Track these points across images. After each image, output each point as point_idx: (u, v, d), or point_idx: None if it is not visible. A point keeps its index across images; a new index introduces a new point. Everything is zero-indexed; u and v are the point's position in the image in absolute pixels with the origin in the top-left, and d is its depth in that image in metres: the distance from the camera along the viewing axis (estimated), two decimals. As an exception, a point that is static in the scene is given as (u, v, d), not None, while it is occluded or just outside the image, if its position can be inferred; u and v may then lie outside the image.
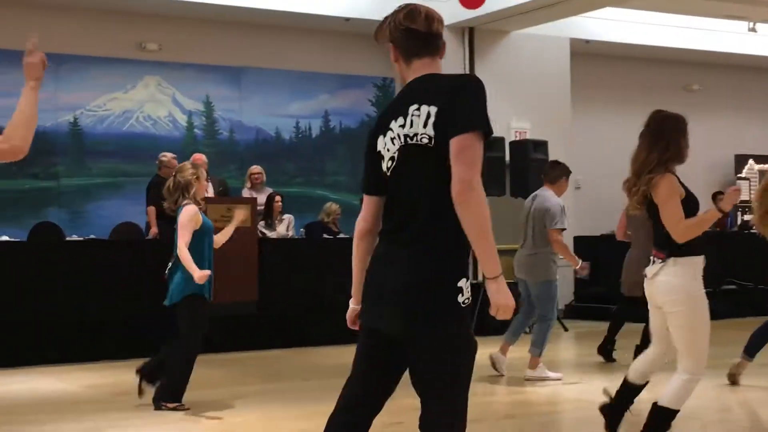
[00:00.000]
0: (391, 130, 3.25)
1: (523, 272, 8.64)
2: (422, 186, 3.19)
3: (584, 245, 13.45)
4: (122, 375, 9.04)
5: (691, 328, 4.96)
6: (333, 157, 14.41)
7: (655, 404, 5.06)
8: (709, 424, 6.48)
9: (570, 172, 8.82)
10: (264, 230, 11.72)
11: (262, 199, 11.96)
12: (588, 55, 15.69)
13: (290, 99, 14.35)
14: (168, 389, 7.00)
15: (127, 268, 10.50)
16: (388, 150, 3.26)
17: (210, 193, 11.67)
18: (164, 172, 11.72)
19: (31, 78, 3.62)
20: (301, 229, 12.49)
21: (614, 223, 9.32)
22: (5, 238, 10.60)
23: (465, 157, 3.15)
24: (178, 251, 6.85)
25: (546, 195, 8.54)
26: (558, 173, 8.67)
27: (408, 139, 3.21)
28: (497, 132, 14.63)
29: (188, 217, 6.95)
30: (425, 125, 3.18)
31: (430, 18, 3.43)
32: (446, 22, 4.02)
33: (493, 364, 8.44)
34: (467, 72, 14.28)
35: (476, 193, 3.13)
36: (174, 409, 6.92)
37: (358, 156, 14.97)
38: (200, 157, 11.96)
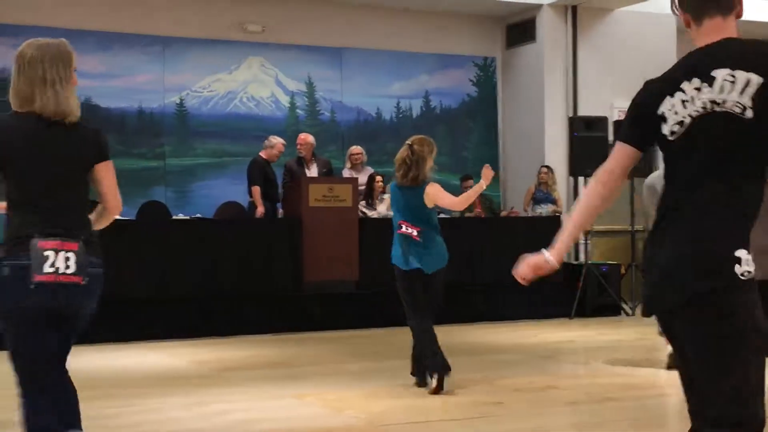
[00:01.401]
0: (683, 91, 2.86)
1: None
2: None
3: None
4: (228, 351, 9.27)
5: None
6: (433, 137, 14.20)
7: None
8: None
9: None
10: (365, 210, 11.80)
11: (363, 179, 12.04)
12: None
13: (391, 79, 14.39)
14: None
15: (231, 247, 10.71)
16: (676, 113, 2.87)
17: (314, 172, 11.83)
18: (269, 153, 11.89)
19: None
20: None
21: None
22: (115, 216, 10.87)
23: None
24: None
25: None
26: None
27: (715, 105, 2.82)
28: (599, 111, 14.52)
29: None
30: (741, 93, 2.79)
31: None
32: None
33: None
34: (570, 51, 14.11)
35: None
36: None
37: (458, 136, 14.95)
38: (306, 137, 12.12)
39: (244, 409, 6.30)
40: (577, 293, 11.83)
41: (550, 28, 14.08)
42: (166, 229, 10.77)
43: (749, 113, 2.77)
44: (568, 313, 11.71)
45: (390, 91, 14.38)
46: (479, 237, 12.03)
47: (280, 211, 11.86)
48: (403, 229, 7.01)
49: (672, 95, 2.88)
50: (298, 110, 13.91)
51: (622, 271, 12.57)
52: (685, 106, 2.86)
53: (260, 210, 11.50)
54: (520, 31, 14.54)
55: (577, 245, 12.95)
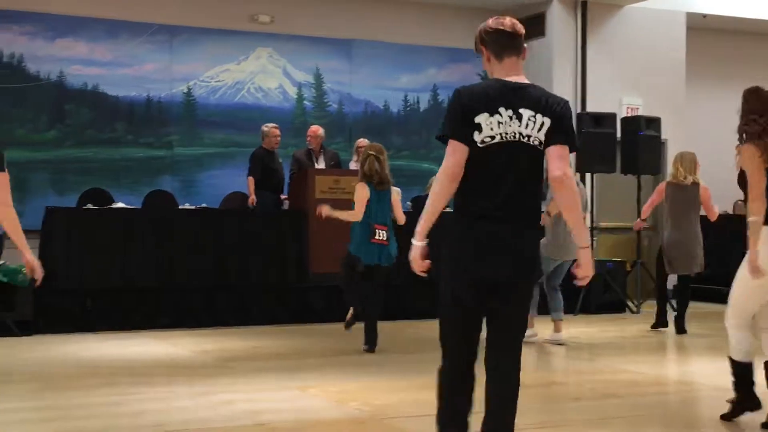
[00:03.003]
0: (500, 114, 3.84)
1: None
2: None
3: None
4: (232, 342, 9.27)
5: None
6: (441, 131, 14.35)
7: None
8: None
9: None
10: (371, 202, 11.78)
11: (369, 171, 12.01)
12: (705, 30, 15.28)
13: (399, 72, 14.37)
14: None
15: (237, 238, 10.72)
16: (491, 129, 3.84)
17: (322, 165, 11.82)
18: (267, 142, 11.88)
19: None
20: (408, 202, 12.52)
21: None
22: (121, 204, 10.91)
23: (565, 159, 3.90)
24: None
25: None
26: None
27: (521, 137, 3.84)
28: (608, 108, 14.47)
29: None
30: (539, 131, 3.86)
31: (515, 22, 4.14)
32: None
33: None
34: (579, 47, 14.08)
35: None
36: None
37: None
38: (317, 130, 12.11)
39: (249, 400, 6.31)
40: (582, 290, 11.81)
41: (560, 24, 14.05)
42: (173, 219, 10.78)
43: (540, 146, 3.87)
44: (573, 310, 11.69)
45: (398, 83, 14.36)
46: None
47: (285, 198, 11.85)
48: None
49: (491, 114, 3.83)
50: (305, 101, 13.90)
51: (627, 268, 12.55)
52: (499, 127, 3.84)
53: (251, 199, 11.59)
54: (530, 25, 14.45)
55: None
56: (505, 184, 3.80)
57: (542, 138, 3.83)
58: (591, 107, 13.65)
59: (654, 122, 12.55)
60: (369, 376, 7.30)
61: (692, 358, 9.01)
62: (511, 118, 3.81)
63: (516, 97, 3.84)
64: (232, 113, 13.40)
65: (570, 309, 11.80)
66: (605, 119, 12.51)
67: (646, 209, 10.25)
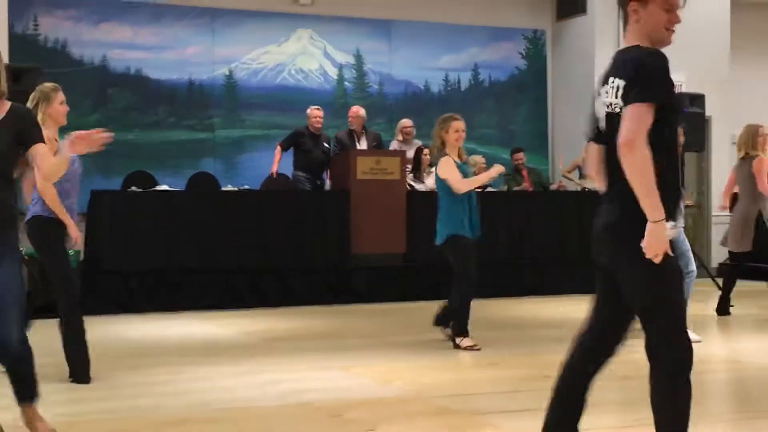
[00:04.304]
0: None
1: None
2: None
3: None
4: (276, 322, 9.35)
5: None
6: (482, 110, 14.33)
7: None
8: None
9: None
10: (412, 183, 11.79)
11: (411, 152, 12.02)
12: (750, 4, 15.05)
13: (440, 52, 14.32)
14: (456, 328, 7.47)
15: (279, 219, 10.77)
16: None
17: (364, 145, 11.83)
18: (309, 123, 11.88)
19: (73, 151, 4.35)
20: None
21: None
22: (165, 187, 11.00)
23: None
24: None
25: None
26: None
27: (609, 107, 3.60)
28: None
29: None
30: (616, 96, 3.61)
31: None
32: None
33: None
34: (621, 24, 13.94)
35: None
36: (467, 348, 7.28)
37: (506, 109, 14.86)
38: (358, 110, 12.11)
39: (294, 380, 6.35)
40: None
41: (601, 1, 13.91)
42: (215, 200, 10.86)
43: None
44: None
45: (439, 63, 14.32)
46: (528, 211, 11.98)
47: (327, 182, 11.88)
48: None
49: None
50: (346, 83, 13.91)
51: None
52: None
53: (273, 169, 11.68)
54: (571, 3, 14.39)
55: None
56: None
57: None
58: (634, 85, 13.50)
59: (698, 99, 12.39)
60: (413, 356, 7.31)
61: (737, 335, 8.94)
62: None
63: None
64: (273, 95, 13.45)
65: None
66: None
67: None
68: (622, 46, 3.82)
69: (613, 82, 3.63)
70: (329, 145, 11.96)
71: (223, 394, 5.93)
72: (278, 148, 11.80)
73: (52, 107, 5.87)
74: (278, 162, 11.74)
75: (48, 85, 6.01)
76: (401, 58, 14.12)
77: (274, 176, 11.68)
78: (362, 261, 11.06)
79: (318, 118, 11.86)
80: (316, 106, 12.01)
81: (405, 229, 11.13)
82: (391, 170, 11.15)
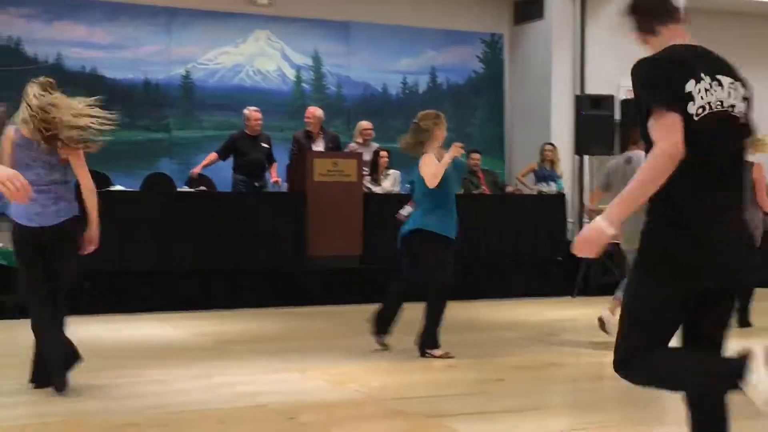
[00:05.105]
0: (703, 80, 3.26)
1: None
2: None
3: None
4: (229, 325, 9.30)
5: None
6: (439, 114, 14.34)
7: None
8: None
9: None
10: (369, 185, 11.80)
11: (368, 154, 12.02)
12: (701, 12, 15.20)
13: (398, 54, 14.35)
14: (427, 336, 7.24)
15: (235, 220, 10.72)
16: (701, 98, 3.24)
17: (321, 146, 11.78)
18: (247, 126, 11.66)
19: None
20: (407, 185, 12.51)
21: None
22: (119, 187, 10.90)
23: None
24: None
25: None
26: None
27: (730, 107, 3.29)
28: (606, 90, 14.45)
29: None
30: (742, 101, 3.34)
31: None
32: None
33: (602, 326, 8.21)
34: (579, 29, 14.04)
35: None
36: (440, 357, 7.08)
37: (464, 112, 14.84)
38: (315, 111, 12.03)
39: (248, 382, 6.32)
40: (581, 271, 11.83)
41: (559, 6, 14.01)
42: (170, 201, 10.78)
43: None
44: (571, 292, 11.71)
45: (397, 66, 14.34)
46: (483, 214, 12.02)
47: (274, 181, 11.72)
48: None
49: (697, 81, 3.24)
50: (304, 84, 13.88)
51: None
52: (707, 95, 3.24)
53: (194, 170, 11.56)
54: (528, 7, 14.48)
55: (581, 223, 12.93)
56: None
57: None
58: (589, 89, 13.64)
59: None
60: (368, 359, 7.31)
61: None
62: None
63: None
64: (230, 96, 13.38)
65: (569, 290, 11.85)
66: (603, 101, 12.51)
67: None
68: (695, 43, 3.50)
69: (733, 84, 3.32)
70: (269, 145, 11.76)
71: (177, 397, 5.88)
72: (213, 154, 11.63)
73: None
74: (205, 165, 11.57)
75: None
76: (359, 60, 14.12)
77: (195, 177, 11.52)
78: (318, 263, 11.04)
79: (257, 120, 11.61)
80: (255, 108, 11.72)
81: (362, 232, 11.13)
82: (348, 172, 11.14)
